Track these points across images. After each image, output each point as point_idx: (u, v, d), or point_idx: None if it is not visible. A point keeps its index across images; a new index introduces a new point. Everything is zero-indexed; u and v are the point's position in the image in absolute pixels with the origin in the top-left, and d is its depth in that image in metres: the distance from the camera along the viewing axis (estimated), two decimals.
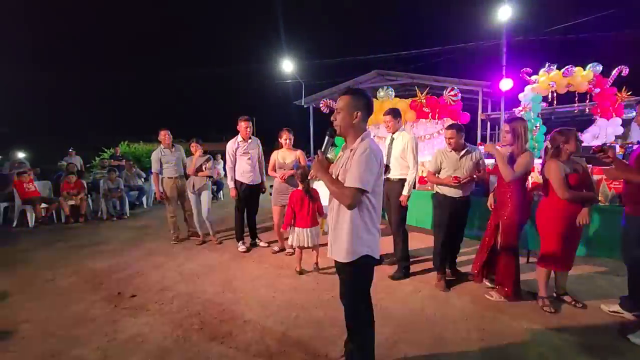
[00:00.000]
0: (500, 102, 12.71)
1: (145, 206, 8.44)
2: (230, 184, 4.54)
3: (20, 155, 7.99)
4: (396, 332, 2.54)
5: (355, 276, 1.85)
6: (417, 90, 6.66)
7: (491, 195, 3.39)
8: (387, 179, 3.57)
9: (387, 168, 3.65)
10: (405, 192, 3.43)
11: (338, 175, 1.78)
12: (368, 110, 1.80)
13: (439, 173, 3.40)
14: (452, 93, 6.02)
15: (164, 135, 5.08)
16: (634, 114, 2.71)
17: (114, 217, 7.06)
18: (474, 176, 3.28)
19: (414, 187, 3.65)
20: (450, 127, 3.39)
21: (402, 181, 3.47)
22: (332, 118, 1.80)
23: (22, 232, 6.08)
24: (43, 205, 6.65)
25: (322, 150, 1.80)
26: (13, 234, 5.93)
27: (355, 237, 1.74)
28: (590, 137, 8.72)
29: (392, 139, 3.60)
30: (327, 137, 1.79)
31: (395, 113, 3.58)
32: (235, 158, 4.53)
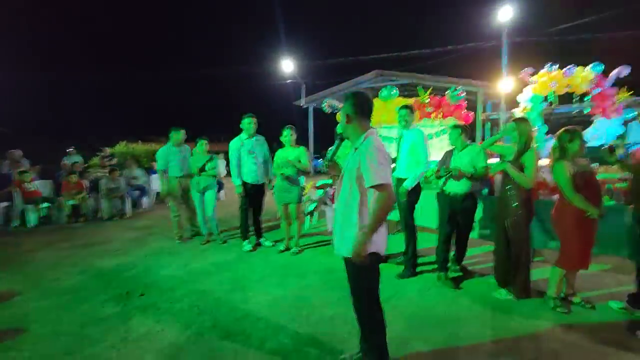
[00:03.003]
0: (499, 103, 12.81)
1: (145, 206, 8.40)
2: (237, 181, 4.52)
3: (19, 154, 7.86)
4: (407, 330, 2.56)
5: (363, 274, 1.88)
6: (421, 90, 6.68)
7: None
8: (399, 179, 3.59)
9: (394, 161, 3.68)
10: (406, 183, 3.42)
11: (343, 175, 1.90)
12: (363, 109, 1.88)
13: None
14: (456, 92, 6.06)
15: (181, 134, 5.06)
16: (635, 114, 2.77)
17: (115, 216, 7.03)
18: (465, 173, 3.23)
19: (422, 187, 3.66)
20: (455, 127, 3.44)
21: None
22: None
23: (23, 232, 6.04)
24: (44, 204, 6.62)
25: (330, 157, 1.81)
26: (15, 234, 5.89)
27: None
28: (589, 137, 8.78)
29: (401, 136, 3.62)
30: (336, 142, 1.83)
31: (411, 108, 3.59)
32: (240, 156, 4.50)
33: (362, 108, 1.87)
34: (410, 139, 3.52)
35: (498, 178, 4.06)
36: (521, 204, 2.90)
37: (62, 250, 4.83)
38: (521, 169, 2.86)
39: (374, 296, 1.94)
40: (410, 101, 6.71)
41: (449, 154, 3.50)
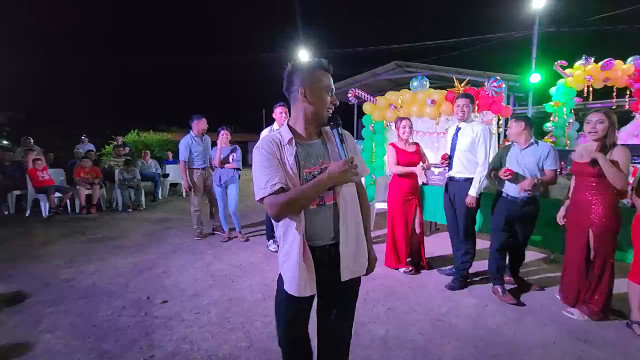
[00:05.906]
0: (527, 97, 12.18)
1: (160, 197, 8.13)
2: None
3: (32, 142, 7.62)
4: (477, 357, 2.18)
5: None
6: (456, 81, 6.20)
7: (563, 207, 2.94)
8: (451, 178, 3.19)
9: (448, 159, 3.28)
10: (472, 192, 3.03)
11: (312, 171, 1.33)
12: None
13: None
14: (495, 84, 5.59)
15: (203, 123, 4.72)
16: None
17: (129, 208, 6.75)
18: (535, 178, 2.82)
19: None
20: (518, 119, 3.01)
21: (469, 180, 3.07)
22: (335, 101, 1.37)
23: (36, 222, 5.79)
24: (57, 194, 6.35)
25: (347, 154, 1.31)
26: (27, 225, 5.62)
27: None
28: (628, 135, 8.23)
29: (458, 129, 3.19)
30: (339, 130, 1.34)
31: (472, 98, 3.16)
32: None
33: None
34: (469, 134, 3.11)
35: (562, 181, 3.64)
36: (610, 209, 2.49)
37: (76, 244, 4.55)
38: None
39: None
40: (443, 92, 6.25)
41: (508, 151, 3.07)
